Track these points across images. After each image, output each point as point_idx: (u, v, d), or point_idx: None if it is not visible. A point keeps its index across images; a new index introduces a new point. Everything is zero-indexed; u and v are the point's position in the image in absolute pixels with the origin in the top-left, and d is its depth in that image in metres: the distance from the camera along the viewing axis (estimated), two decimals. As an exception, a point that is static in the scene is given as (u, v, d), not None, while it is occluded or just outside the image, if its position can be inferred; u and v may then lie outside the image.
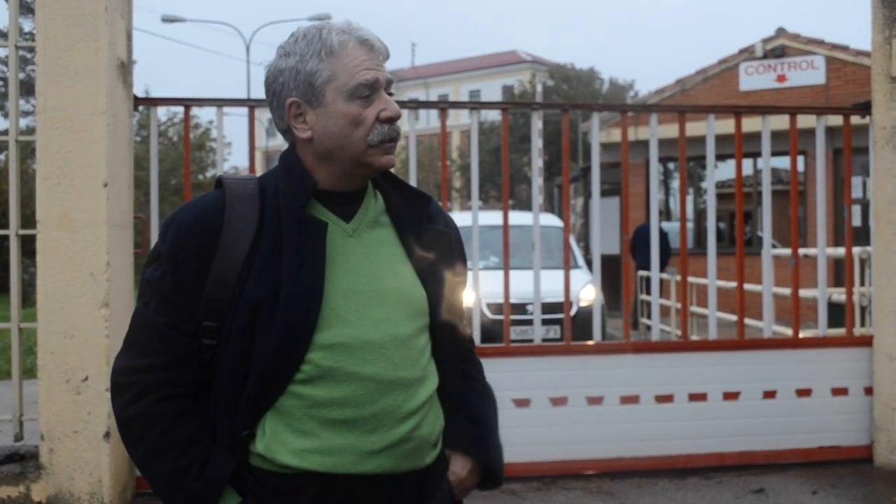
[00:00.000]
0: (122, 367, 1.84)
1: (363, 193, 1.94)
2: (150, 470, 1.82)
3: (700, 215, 17.81)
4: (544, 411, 5.69)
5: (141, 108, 5.69)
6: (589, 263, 12.09)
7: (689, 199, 17.64)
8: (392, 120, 1.86)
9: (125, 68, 5.08)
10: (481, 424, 2.04)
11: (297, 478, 1.77)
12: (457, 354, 2.01)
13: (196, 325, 1.80)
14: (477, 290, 5.84)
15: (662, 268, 12.41)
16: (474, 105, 6.08)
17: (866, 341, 6.06)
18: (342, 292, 1.82)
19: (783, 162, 16.28)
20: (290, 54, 1.86)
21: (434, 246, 1.96)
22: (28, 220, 5.08)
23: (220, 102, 5.69)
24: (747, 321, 6.30)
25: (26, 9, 21.95)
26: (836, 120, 6.61)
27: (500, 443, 2.09)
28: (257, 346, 1.77)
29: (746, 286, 6.25)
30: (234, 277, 1.79)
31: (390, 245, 1.92)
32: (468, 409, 2.02)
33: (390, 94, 1.89)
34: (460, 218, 10.51)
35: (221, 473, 1.77)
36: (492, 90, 59.44)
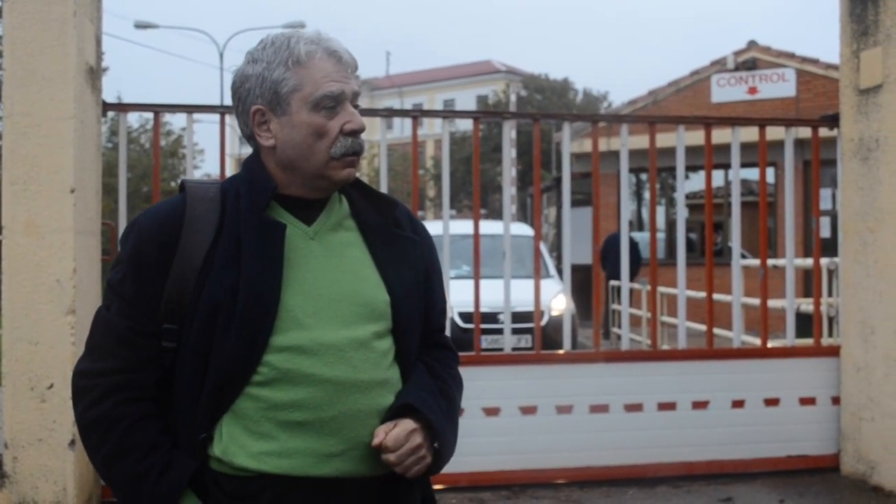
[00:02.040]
0: (83, 371, 1.84)
1: (327, 197, 1.94)
2: (111, 474, 1.81)
3: (672, 226, 17.88)
4: (514, 420, 5.69)
5: (112, 114, 5.64)
6: (561, 273, 12.12)
7: (661, 209, 17.76)
8: (356, 133, 1.86)
9: (94, 73, 5.04)
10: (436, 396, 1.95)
11: (256, 481, 1.76)
12: (419, 381, 1.95)
13: (156, 327, 1.80)
14: (448, 299, 5.83)
15: (632, 277, 12.48)
16: (446, 114, 6.10)
17: (834, 351, 6.11)
18: (300, 294, 1.81)
19: (754, 173, 16.40)
20: (257, 61, 1.86)
21: (400, 250, 1.96)
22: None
23: (190, 109, 5.67)
24: (716, 331, 6.34)
25: (-4, 13, 21.73)
26: (805, 132, 6.67)
27: (452, 434, 1.98)
28: (215, 348, 1.77)
29: (716, 296, 6.29)
30: (192, 279, 1.79)
31: (354, 248, 1.92)
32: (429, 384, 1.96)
33: (356, 107, 1.89)
34: (432, 227, 10.50)
35: (181, 477, 1.76)
36: (466, 100, 59.52)
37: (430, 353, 2.04)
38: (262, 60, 1.85)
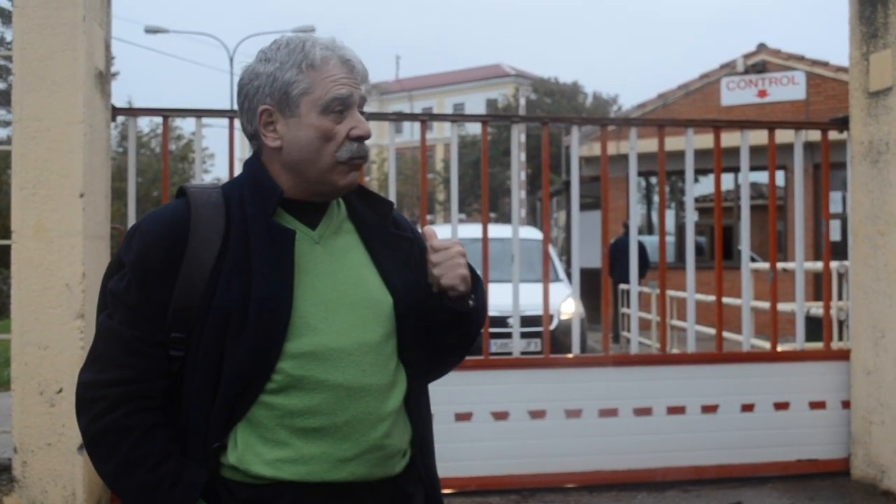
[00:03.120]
0: (89, 382, 1.80)
1: (328, 201, 1.94)
2: (121, 485, 1.78)
3: (681, 229, 17.84)
4: (523, 424, 5.68)
5: (121, 118, 5.66)
6: (570, 277, 12.09)
7: (671, 213, 17.73)
8: (361, 139, 1.86)
9: (103, 78, 5.06)
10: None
11: (271, 488, 1.76)
12: (423, 359, 1.96)
13: (164, 336, 1.78)
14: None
15: (639, 280, 12.45)
16: (455, 118, 6.09)
17: (844, 355, 6.09)
18: (311, 300, 1.81)
19: (764, 176, 16.36)
20: (269, 60, 1.85)
21: (399, 251, 1.96)
22: (7, 230, 5.04)
23: (199, 113, 5.67)
24: (726, 335, 6.32)
25: (7, 18, 21.83)
26: (815, 135, 6.65)
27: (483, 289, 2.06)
28: (228, 357, 1.75)
29: (725, 300, 6.27)
30: (202, 287, 1.77)
31: (355, 251, 1.92)
32: None
33: (362, 113, 1.89)
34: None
35: (194, 487, 1.75)
36: (476, 104, 59.61)
37: None
38: (276, 60, 1.84)
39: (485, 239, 5.87)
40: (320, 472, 1.77)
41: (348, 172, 1.86)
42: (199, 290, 1.77)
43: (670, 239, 17.12)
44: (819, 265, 7.30)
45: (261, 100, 1.85)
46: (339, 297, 1.84)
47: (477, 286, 1.98)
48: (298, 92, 1.82)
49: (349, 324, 1.83)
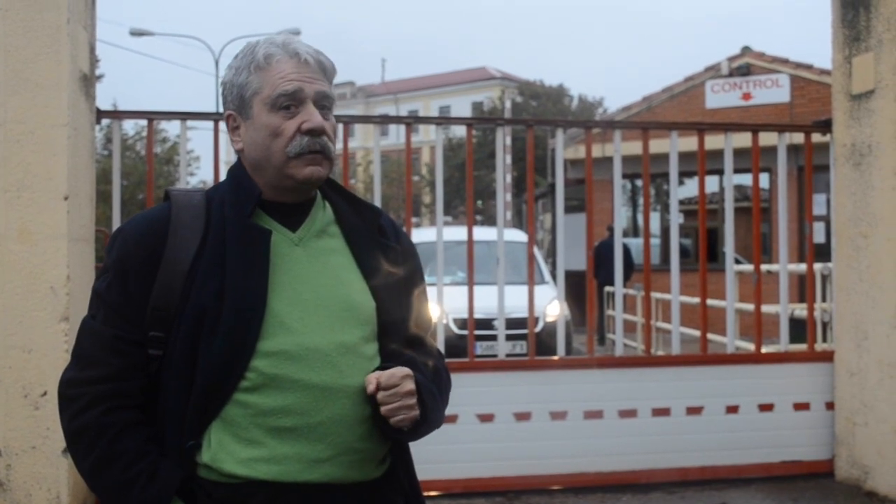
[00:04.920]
0: (69, 379, 1.84)
1: (311, 204, 1.94)
2: (97, 482, 1.81)
3: (666, 232, 17.88)
4: (508, 426, 5.69)
5: (106, 121, 5.64)
6: (556, 279, 12.07)
7: (656, 215, 17.77)
8: (313, 132, 1.85)
9: (88, 81, 5.05)
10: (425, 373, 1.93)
11: (244, 487, 1.76)
12: (407, 366, 1.92)
13: (142, 335, 1.80)
14: (442, 305, 5.84)
15: (624, 283, 12.48)
16: (439, 120, 6.10)
17: (827, 356, 6.12)
18: (286, 300, 1.82)
19: (748, 179, 16.40)
20: (231, 68, 1.92)
21: (385, 258, 1.96)
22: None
23: (184, 116, 5.66)
24: (710, 336, 6.34)
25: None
26: (799, 137, 6.69)
27: (440, 403, 1.96)
28: (202, 355, 1.77)
29: (710, 302, 6.29)
30: (179, 286, 1.79)
31: (338, 255, 1.93)
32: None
33: (323, 108, 1.87)
34: (427, 233, 10.48)
35: (168, 485, 1.76)
36: (461, 106, 59.56)
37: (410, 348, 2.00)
38: (234, 67, 1.91)
39: (470, 241, 5.88)
40: (293, 473, 1.77)
41: (305, 166, 1.86)
42: (176, 290, 1.79)
43: (655, 241, 17.14)
44: (803, 267, 7.34)
45: (227, 107, 1.92)
46: (316, 297, 1.84)
47: (430, 411, 1.88)
48: (250, 93, 1.87)
49: (326, 324, 1.83)
